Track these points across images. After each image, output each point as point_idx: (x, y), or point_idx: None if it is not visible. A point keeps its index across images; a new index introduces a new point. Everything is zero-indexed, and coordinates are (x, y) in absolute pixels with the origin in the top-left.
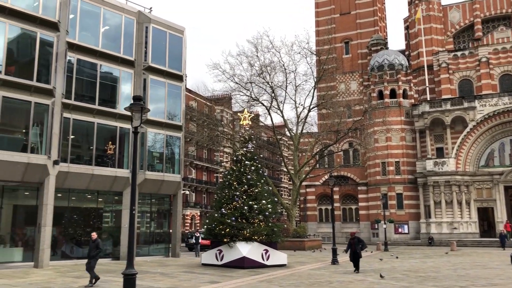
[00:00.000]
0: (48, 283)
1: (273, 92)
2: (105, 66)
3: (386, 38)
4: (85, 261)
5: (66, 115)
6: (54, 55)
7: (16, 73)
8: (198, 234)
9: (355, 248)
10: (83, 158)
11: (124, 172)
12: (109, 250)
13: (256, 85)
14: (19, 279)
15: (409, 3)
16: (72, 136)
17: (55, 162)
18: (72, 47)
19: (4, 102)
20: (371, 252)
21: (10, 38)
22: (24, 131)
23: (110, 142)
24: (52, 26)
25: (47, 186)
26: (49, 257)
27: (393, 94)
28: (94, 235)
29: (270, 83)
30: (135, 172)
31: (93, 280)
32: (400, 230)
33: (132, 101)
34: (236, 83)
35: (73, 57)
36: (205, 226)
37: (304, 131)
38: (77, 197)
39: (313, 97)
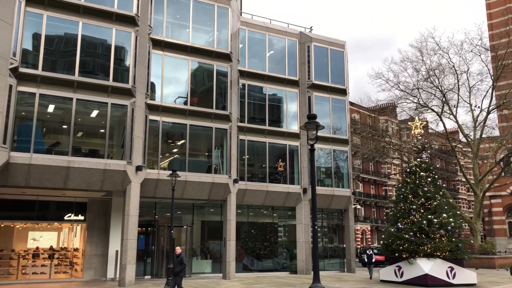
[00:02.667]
0: None
1: (443, 96)
2: (272, 89)
3: None
4: (265, 274)
5: (241, 137)
6: (228, 84)
7: (198, 103)
8: (371, 252)
9: None
10: (258, 176)
11: (296, 188)
12: (286, 264)
13: (424, 90)
14: None
15: None
16: (247, 156)
17: (235, 181)
18: (243, 74)
19: (191, 129)
20: None
21: (191, 72)
22: (207, 154)
23: (280, 160)
24: (226, 57)
25: (229, 203)
26: (234, 269)
27: None
28: (178, 249)
29: (439, 87)
30: (314, 188)
31: None
32: None
33: (299, 119)
34: (402, 90)
35: (244, 83)
36: (381, 242)
37: (483, 135)
38: (254, 212)
39: (491, 97)
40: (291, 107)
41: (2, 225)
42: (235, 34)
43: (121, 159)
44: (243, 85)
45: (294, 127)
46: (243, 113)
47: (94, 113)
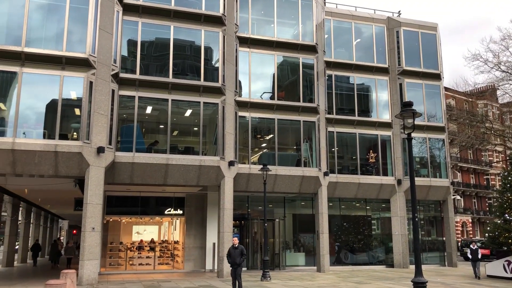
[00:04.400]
0: (333, 286)
1: None
2: (360, 78)
3: None
4: (360, 267)
5: (330, 129)
6: (315, 76)
7: (285, 97)
8: (476, 246)
9: None
10: (349, 168)
11: (389, 180)
12: (381, 257)
13: None
14: (308, 282)
15: None
16: (336, 148)
17: (325, 174)
18: (329, 65)
19: (279, 124)
20: None
21: (277, 67)
22: (296, 147)
23: (371, 151)
24: (311, 49)
25: (320, 196)
26: (329, 262)
27: None
28: (235, 240)
29: None
30: (413, 179)
31: None
32: None
33: (390, 108)
34: (503, 71)
35: (330, 74)
36: (487, 234)
37: None
38: (346, 205)
39: None
40: (381, 96)
41: (111, 220)
42: (320, 25)
43: (214, 155)
44: (330, 76)
45: (385, 116)
46: (331, 105)
47: (188, 112)
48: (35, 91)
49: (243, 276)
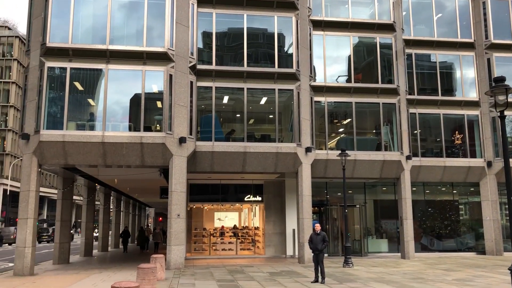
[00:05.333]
0: (420, 273)
1: None
2: (442, 55)
3: None
4: (447, 254)
5: (411, 110)
6: (393, 55)
7: (362, 79)
8: None
9: None
10: (433, 151)
11: (478, 162)
12: (470, 244)
13: None
14: (392, 268)
15: None
16: (419, 130)
17: (408, 157)
18: (408, 43)
19: (357, 107)
20: None
21: (353, 48)
22: (375, 131)
23: (456, 132)
24: (388, 28)
25: (403, 181)
26: (413, 249)
27: None
28: (318, 227)
29: None
30: (507, 161)
31: (324, 275)
32: None
33: (477, 85)
34: None
35: (410, 53)
36: None
37: None
38: (430, 190)
39: None
40: (467, 73)
41: (194, 207)
42: (397, 2)
43: (291, 142)
44: (409, 55)
45: (472, 95)
46: (411, 85)
47: (263, 100)
48: (120, 86)
49: (325, 262)
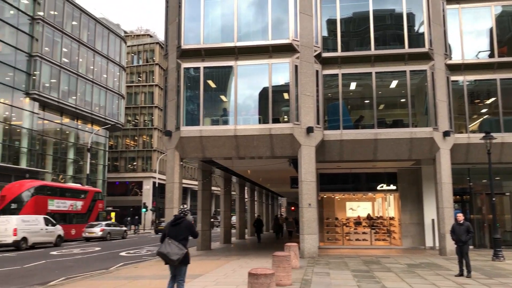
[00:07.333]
0: None
1: None
2: None
3: None
4: None
5: None
6: None
7: (508, 53)
8: None
9: None
10: None
11: None
12: None
13: None
14: None
15: None
16: None
17: None
18: None
19: (502, 84)
20: None
21: (496, 19)
22: None
23: None
24: None
25: None
26: None
27: None
28: (460, 217)
29: None
30: None
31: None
32: None
33: None
34: None
35: None
36: None
37: None
38: None
39: None
40: None
41: (325, 197)
42: None
43: (426, 126)
44: None
45: None
46: None
47: (393, 84)
48: (248, 81)
49: (470, 254)
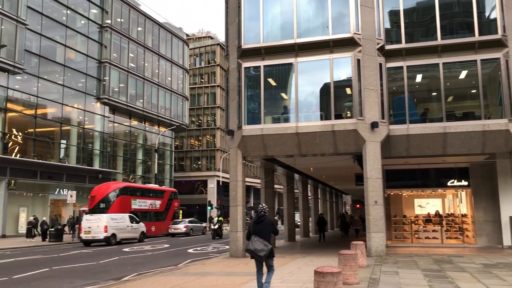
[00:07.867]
0: None
1: None
2: None
3: None
4: None
5: None
6: None
7: None
8: None
9: None
10: None
11: None
12: None
13: None
14: None
15: None
16: None
17: None
18: None
19: None
20: None
21: None
22: None
23: None
24: None
25: None
26: None
27: None
28: None
29: None
30: None
31: None
32: None
33: None
34: None
35: None
36: None
37: None
38: None
39: None
40: None
41: (392, 194)
42: None
43: (500, 117)
44: None
45: None
46: None
47: (462, 74)
48: (309, 78)
49: None
